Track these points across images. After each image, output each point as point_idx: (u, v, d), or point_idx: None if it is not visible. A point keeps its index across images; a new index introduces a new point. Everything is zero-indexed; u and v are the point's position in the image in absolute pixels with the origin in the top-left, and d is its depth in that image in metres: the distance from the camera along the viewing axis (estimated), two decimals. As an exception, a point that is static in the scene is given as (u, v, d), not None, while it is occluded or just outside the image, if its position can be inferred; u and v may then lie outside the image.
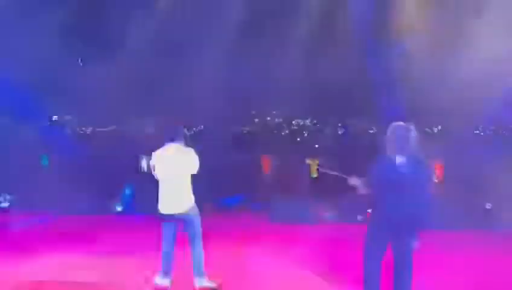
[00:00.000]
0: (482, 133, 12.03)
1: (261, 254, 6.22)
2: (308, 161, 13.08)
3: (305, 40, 11.01)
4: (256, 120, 16.68)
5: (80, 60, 11.95)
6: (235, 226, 7.83)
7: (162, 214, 4.74)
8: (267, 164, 12.54)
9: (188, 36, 10.56)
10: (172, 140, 4.73)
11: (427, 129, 11.82)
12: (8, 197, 9.35)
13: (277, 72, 11.31)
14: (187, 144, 4.80)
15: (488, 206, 8.20)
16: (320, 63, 11.06)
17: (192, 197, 4.77)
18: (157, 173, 4.74)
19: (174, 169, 4.66)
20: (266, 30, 11.08)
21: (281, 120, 17.17)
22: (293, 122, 17.46)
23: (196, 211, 4.79)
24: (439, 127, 12.42)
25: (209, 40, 10.63)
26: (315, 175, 12.62)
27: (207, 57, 10.61)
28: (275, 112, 16.72)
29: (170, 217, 4.71)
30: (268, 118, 17.16)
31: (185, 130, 4.86)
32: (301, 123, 17.98)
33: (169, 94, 10.27)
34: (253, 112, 15.87)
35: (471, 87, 8.58)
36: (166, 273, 4.77)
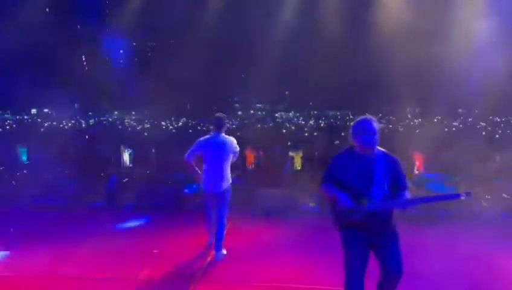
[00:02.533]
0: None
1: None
2: (291, 154, 13.16)
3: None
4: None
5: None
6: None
7: (206, 191, 5.59)
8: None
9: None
10: (217, 129, 5.57)
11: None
12: None
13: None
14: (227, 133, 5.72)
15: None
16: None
17: (230, 178, 5.63)
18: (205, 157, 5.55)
19: (220, 153, 5.52)
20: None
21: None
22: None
23: (230, 190, 5.63)
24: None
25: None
26: (299, 167, 12.70)
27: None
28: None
29: (212, 194, 5.56)
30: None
31: (227, 121, 5.73)
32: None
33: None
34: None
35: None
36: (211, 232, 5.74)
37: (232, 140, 5.62)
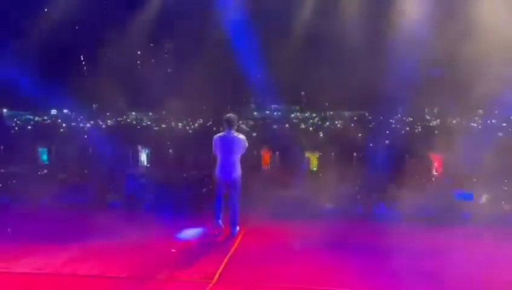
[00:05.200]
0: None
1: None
2: (307, 155, 13.10)
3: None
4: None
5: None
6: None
7: (219, 178, 6.60)
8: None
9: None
10: (228, 128, 6.53)
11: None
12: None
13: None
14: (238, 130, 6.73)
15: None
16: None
17: (240, 169, 6.58)
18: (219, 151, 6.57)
19: (230, 148, 6.51)
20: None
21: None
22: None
23: (240, 179, 6.61)
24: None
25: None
26: (315, 168, 12.62)
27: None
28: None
29: (225, 181, 6.58)
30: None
31: (236, 120, 6.65)
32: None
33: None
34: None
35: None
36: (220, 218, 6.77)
37: (242, 137, 6.57)
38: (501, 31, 9.87)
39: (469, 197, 8.32)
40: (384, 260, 5.69)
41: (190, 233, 6.82)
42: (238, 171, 6.57)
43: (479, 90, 10.44)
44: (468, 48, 10.21)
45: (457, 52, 10.73)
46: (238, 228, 6.73)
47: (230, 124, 6.52)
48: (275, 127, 25.94)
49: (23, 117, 33.10)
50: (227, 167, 6.50)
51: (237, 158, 6.55)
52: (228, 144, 6.50)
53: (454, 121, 19.77)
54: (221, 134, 6.62)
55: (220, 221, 6.74)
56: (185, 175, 10.11)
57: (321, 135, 17.17)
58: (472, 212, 7.60)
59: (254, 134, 21.75)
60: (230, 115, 6.58)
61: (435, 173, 11.20)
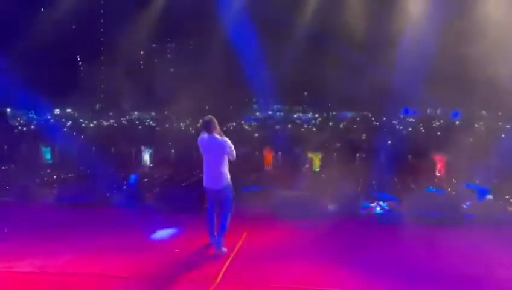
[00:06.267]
0: None
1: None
2: (310, 155, 13.08)
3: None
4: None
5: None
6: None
7: (207, 188, 5.91)
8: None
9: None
10: (206, 131, 5.83)
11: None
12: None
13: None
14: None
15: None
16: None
17: (228, 176, 5.84)
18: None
19: (211, 152, 5.84)
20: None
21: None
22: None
23: (230, 188, 5.86)
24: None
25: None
26: (317, 169, 12.62)
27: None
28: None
29: (210, 190, 5.88)
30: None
31: (214, 122, 5.82)
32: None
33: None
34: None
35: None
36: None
37: (223, 140, 5.79)
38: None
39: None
40: (387, 261, 5.68)
41: (193, 233, 6.82)
42: (226, 179, 5.82)
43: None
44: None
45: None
46: (224, 250, 5.83)
47: (207, 127, 5.80)
48: (277, 127, 26.00)
49: (26, 116, 33.26)
50: (213, 174, 5.79)
51: (223, 163, 5.79)
52: (210, 150, 5.80)
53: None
54: (200, 137, 5.95)
55: (214, 238, 5.93)
56: (187, 175, 10.14)
57: (324, 136, 17.16)
58: (476, 213, 7.58)
59: (256, 134, 21.81)
60: (206, 117, 5.87)
61: (438, 174, 11.21)
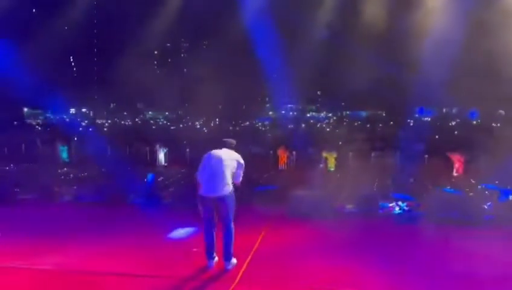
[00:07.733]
0: None
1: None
2: (325, 155, 12.99)
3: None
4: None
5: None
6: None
7: (204, 197, 5.39)
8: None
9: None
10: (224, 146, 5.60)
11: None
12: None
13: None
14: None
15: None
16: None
17: (231, 187, 5.41)
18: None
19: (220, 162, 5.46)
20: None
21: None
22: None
23: (233, 197, 5.40)
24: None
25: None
26: (332, 168, 12.52)
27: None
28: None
29: (211, 199, 5.35)
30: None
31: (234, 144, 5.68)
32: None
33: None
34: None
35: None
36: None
37: (240, 157, 5.54)
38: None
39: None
40: (407, 261, 5.61)
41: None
42: (229, 189, 5.35)
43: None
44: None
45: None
46: (234, 261, 5.42)
47: (226, 144, 5.58)
48: (290, 126, 25.93)
49: (43, 116, 33.77)
50: (215, 182, 5.31)
51: (228, 175, 5.37)
52: (219, 159, 5.41)
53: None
54: (211, 151, 5.61)
55: (212, 261, 5.43)
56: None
57: (338, 135, 17.03)
58: (497, 214, 7.44)
59: (269, 134, 21.78)
60: (228, 139, 5.67)
61: (455, 174, 11.04)
